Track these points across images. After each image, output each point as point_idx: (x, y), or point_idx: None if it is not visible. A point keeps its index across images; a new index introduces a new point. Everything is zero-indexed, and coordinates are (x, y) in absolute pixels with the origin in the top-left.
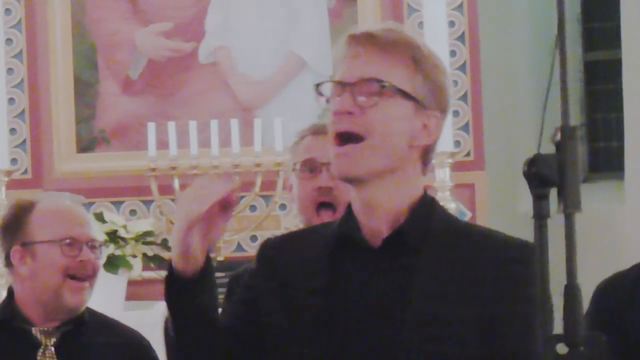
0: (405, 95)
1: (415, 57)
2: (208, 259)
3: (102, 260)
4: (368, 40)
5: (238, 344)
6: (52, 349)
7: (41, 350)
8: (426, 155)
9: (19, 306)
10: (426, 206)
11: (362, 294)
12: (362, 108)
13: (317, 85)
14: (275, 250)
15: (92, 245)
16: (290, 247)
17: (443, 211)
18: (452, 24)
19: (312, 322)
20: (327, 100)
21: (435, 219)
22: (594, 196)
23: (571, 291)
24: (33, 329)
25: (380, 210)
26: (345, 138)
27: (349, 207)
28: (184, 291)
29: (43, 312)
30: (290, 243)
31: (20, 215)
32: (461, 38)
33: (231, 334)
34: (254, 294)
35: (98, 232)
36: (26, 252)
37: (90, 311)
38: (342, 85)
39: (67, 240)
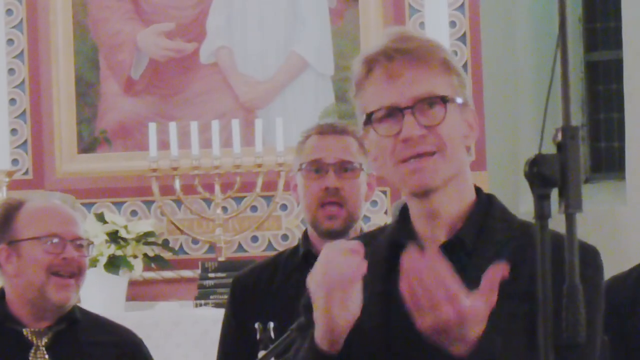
0: (454, 101)
1: (444, 58)
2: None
3: (103, 260)
4: (400, 55)
5: None
6: (44, 349)
7: (33, 350)
8: (469, 152)
9: (10, 307)
10: (483, 207)
11: None
12: (431, 127)
13: (369, 116)
14: None
15: (78, 244)
16: None
17: (500, 210)
18: (453, 24)
19: (371, 330)
20: (366, 127)
21: (491, 218)
22: (595, 196)
23: (572, 291)
24: (24, 329)
25: (442, 218)
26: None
27: (403, 212)
28: None
29: (32, 311)
30: None
31: (8, 214)
32: (462, 38)
33: None
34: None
35: (87, 231)
36: (12, 251)
37: (81, 310)
38: (399, 110)
39: (50, 238)
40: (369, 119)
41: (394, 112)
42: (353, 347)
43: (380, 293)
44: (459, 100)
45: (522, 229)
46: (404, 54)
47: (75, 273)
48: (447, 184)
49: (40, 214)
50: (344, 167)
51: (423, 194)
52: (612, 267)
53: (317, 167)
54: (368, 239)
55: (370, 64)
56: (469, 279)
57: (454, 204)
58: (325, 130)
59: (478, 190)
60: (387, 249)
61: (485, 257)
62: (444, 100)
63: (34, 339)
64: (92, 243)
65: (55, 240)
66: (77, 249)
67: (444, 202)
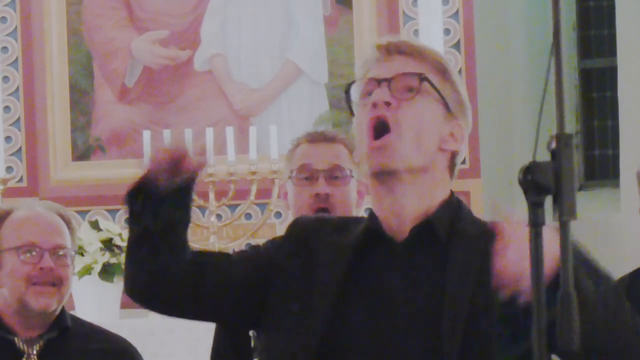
0: (438, 96)
1: (443, 67)
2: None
3: (98, 267)
4: (400, 47)
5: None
6: (36, 357)
7: (24, 359)
8: (453, 162)
9: (1, 317)
10: (453, 206)
11: (387, 285)
12: (399, 100)
13: (349, 85)
14: (306, 232)
15: (58, 253)
16: (321, 231)
17: (469, 212)
18: (447, 31)
19: (318, 313)
20: (351, 109)
21: (462, 218)
22: (589, 204)
23: (566, 299)
24: (16, 338)
25: (407, 214)
26: (380, 130)
27: (372, 212)
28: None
29: (20, 320)
30: (322, 227)
31: None
32: (457, 46)
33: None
34: (270, 269)
35: (80, 239)
36: None
37: (73, 318)
38: (377, 82)
39: (28, 247)
40: (348, 89)
41: (373, 86)
42: (292, 327)
43: (340, 279)
44: (447, 99)
45: (493, 227)
46: (407, 47)
47: (56, 283)
48: (412, 174)
49: (20, 223)
50: (334, 174)
51: (382, 175)
52: None
53: (308, 174)
54: (341, 223)
55: (376, 51)
56: (448, 277)
57: (422, 202)
58: (316, 138)
59: (451, 193)
60: (359, 238)
61: (462, 251)
62: (420, 78)
63: (25, 347)
64: (75, 251)
65: (33, 249)
66: (56, 258)
67: (409, 197)
